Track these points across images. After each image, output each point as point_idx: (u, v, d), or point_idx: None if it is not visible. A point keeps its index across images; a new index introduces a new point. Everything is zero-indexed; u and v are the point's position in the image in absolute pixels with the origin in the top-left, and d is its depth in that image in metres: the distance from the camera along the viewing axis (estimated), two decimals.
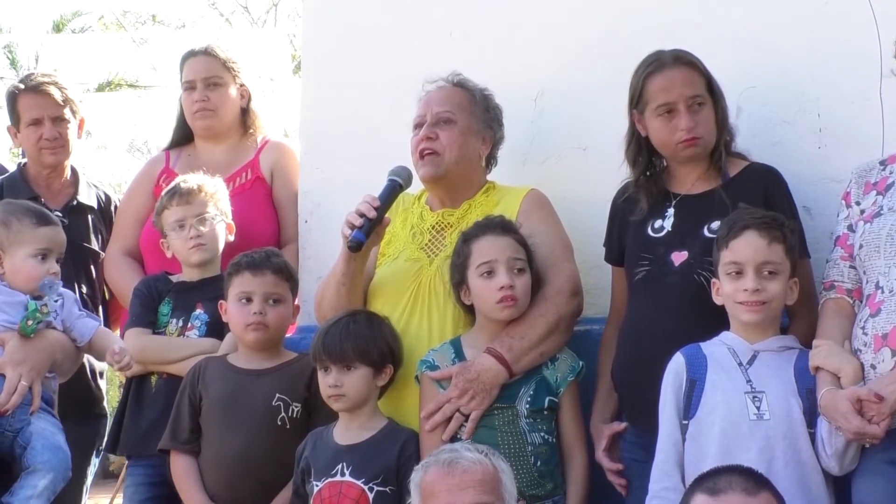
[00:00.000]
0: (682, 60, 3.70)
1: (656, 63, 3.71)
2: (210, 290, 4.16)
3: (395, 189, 3.88)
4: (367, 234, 3.75)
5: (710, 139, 3.69)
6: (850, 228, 3.49)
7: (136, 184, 4.84)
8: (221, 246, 4.31)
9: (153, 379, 4.23)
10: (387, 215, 3.85)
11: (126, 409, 4.26)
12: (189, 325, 4.22)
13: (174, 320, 4.23)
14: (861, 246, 3.40)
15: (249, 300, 3.95)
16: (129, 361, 3.98)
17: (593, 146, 4.26)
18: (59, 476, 3.81)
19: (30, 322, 3.88)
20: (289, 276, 4.04)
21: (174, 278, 4.33)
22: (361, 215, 3.76)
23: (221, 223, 4.30)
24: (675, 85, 3.67)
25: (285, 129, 9.59)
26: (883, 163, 3.53)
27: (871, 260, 3.37)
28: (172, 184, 4.38)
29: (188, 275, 4.30)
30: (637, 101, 3.73)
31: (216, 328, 4.16)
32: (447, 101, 4.00)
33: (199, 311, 4.22)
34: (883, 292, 3.30)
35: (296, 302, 4.14)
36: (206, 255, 4.25)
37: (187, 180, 4.33)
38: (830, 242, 3.58)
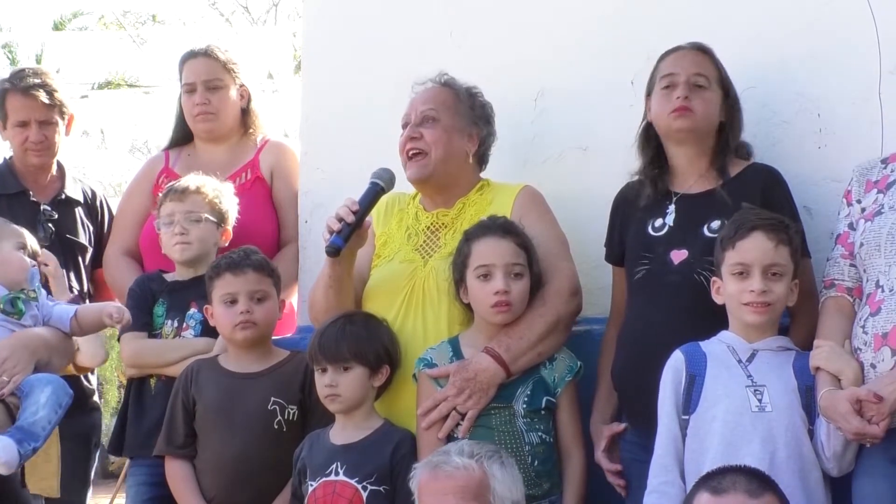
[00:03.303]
0: (698, 47, 3.74)
1: (675, 47, 3.75)
2: (203, 289, 4.13)
3: (376, 192, 3.87)
4: (345, 239, 3.72)
5: (705, 122, 3.68)
6: (851, 227, 3.48)
7: (136, 183, 4.84)
8: (212, 248, 4.27)
9: (152, 381, 4.22)
10: (368, 218, 3.83)
11: (128, 412, 4.25)
12: (184, 325, 4.21)
13: (169, 321, 4.22)
14: (861, 244, 3.40)
15: (234, 301, 3.94)
16: (129, 318, 4.03)
17: (593, 146, 4.26)
18: (59, 388, 3.85)
19: (14, 300, 3.91)
20: (270, 272, 4.03)
21: (168, 277, 4.31)
22: (341, 220, 3.74)
23: (214, 225, 4.28)
24: (682, 60, 3.70)
25: (285, 129, 9.58)
26: (885, 161, 3.52)
27: (871, 258, 3.36)
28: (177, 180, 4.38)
29: (181, 273, 4.29)
30: (650, 84, 3.75)
31: (211, 326, 4.15)
32: (431, 100, 4.01)
33: (193, 310, 4.21)
34: (883, 291, 3.30)
35: (281, 296, 4.12)
36: (188, 254, 4.23)
37: (189, 179, 4.32)
38: (831, 242, 3.58)
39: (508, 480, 3.35)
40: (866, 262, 3.39)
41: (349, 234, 3.74)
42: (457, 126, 4.00)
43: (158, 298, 4.26)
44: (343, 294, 3.91)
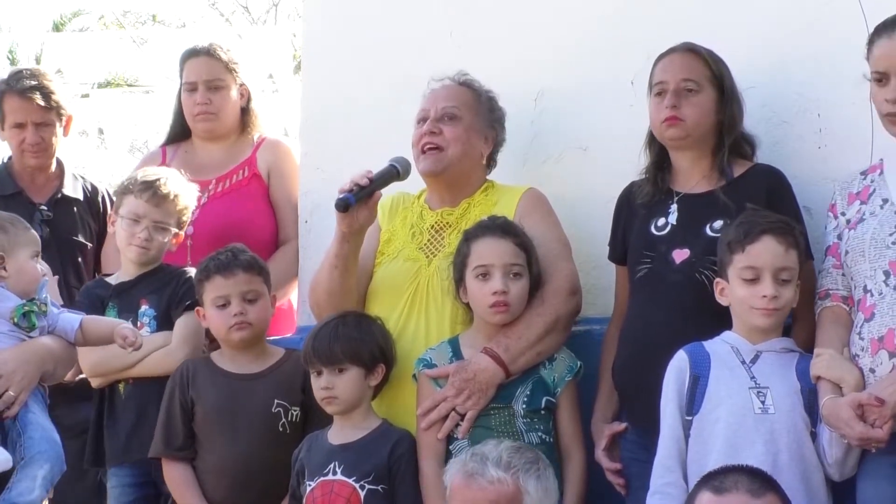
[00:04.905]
0: (689, 48, 3.73)
1: (666, 51, 3.74)
2: (150, 284, 4.15)
3: (391, 172, 3.89)
4: (356, 198, 3.74)
5: (697, 128, 3.67)
6: (839, 238, 3.49)
7: None
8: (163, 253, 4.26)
9: (121, 387, 4.16)
10: (378, 192, 3.83)
11: (103, 422, 4.18)
12: (139, 323, 4.15)
13: None
14: (847, 252, 3.41)
15: (227, 303, 3.94)
16: (141, 341, 3.92)
17: (593, 146, 4.26)
18: (56, 467, 3.79)
19: (31, 315, 3.86)
20: (260, 270, 4.02)
21: (112, 280, 4.27)
22: (355, 184, 3.76)
23: (173, 234, 4.24)
24: (671, 66, 3.69)
25: (285, 128, 9.59)
26: (864, 173, 3.54)
27: (857, 265, 3.37)
28: (154, 173, 4.28)
29: (127, 272, 4.24)
30: (649, 86, 3.75)
31: (165, 320, 4.14)
32: (453, 98, 4.01)
33: (144, 307, 4.17)
34: (872, 296, 3.30)
35: (272, 293, 4.10)
36: (144, 259, 4.19)
37: (165, 179, 4.22)
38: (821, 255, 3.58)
39: (542, 494, 3.36)
40: (852, 269, 3.39)
41: (360, 196, 3.74)
42: (476, 126, 4.00)
43: (108, 303, 4.19)
44: (348, 275, 3.90)
